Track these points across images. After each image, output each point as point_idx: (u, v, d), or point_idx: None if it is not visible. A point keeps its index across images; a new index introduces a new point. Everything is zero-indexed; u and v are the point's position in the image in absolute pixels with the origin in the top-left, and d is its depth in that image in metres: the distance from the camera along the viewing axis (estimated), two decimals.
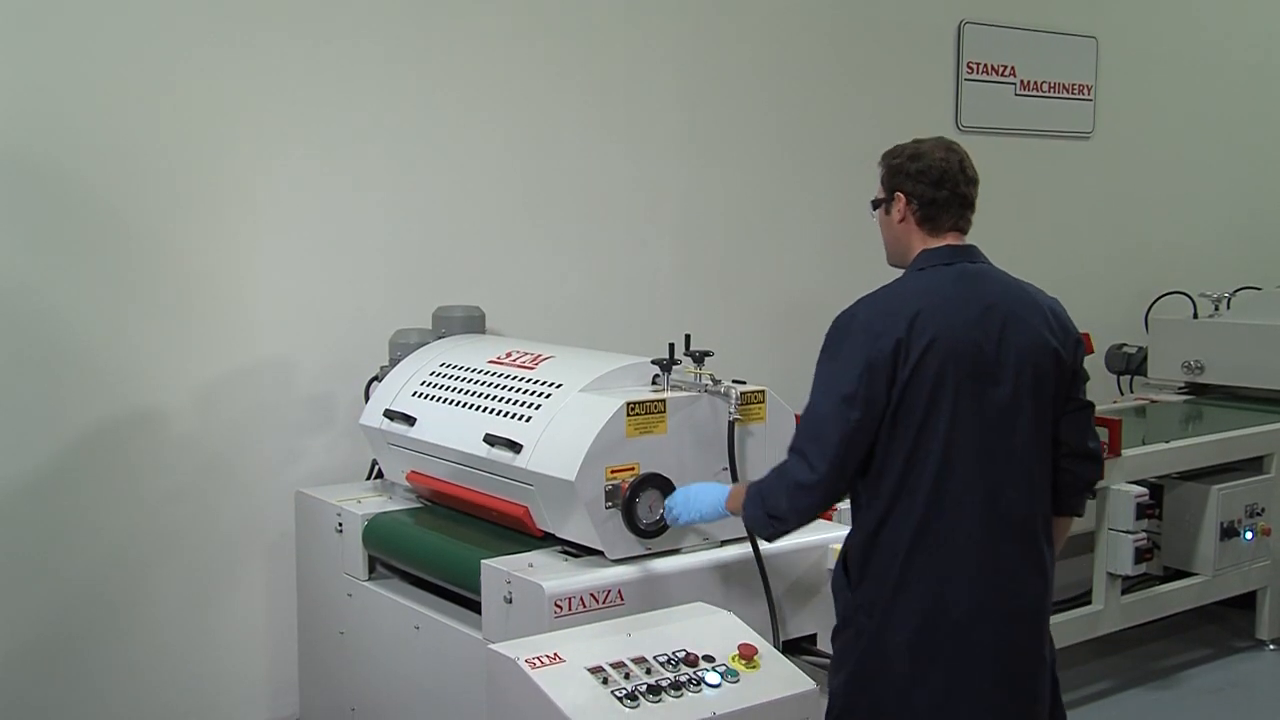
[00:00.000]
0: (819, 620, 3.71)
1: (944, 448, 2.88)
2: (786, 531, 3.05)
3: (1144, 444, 5.27)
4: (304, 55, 4.74)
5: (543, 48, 5.30)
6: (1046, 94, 6.98)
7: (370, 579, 4.21)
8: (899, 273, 3.14)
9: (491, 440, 3.76)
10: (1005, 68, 6.79)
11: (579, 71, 5.41)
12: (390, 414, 4.23)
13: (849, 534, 3.08)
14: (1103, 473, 3.21)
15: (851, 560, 3.04)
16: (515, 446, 3.68)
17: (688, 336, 3.79)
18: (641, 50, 5.58)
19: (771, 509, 2.98)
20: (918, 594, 2.91)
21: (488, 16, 5.15)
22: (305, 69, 4.75)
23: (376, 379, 4.59)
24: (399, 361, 4.47)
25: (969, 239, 3.12)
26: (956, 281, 2.98)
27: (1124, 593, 5.11)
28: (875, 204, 3.19)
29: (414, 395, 4.24)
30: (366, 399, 4.54)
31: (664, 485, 3.59)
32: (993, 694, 2.96)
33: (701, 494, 3.36)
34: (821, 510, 2.98)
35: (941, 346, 2.87)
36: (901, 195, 3.09)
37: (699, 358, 3.79)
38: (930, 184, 3.04)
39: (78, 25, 4.32)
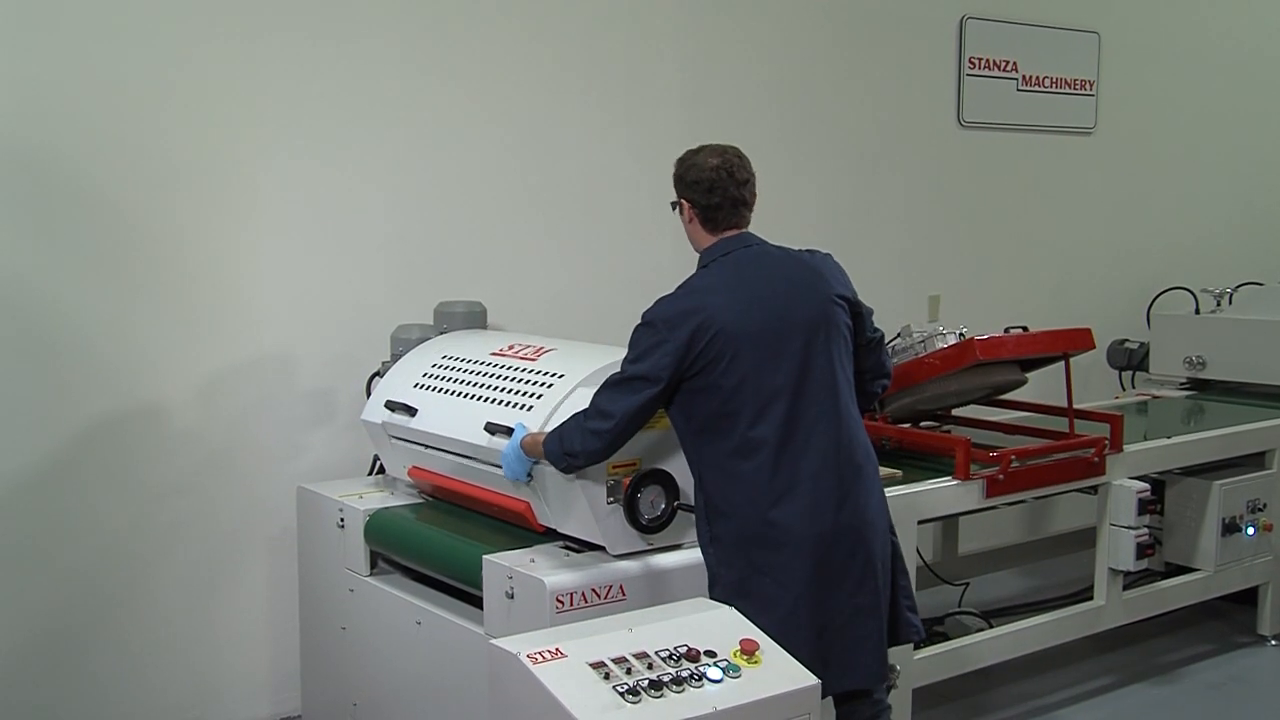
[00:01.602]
0: None
1: (758, 414, 3.30)
2: (578, 467, 3.45)
3: (1145, 439, 5.26)
4: (306, 52, 4.74)
5: (544, 44, 5.30)
6: (1048, 89, 6.97)
7: (372, 574, 4.21)
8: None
9: (493, 429, 3.76)
10: (1007, 63, 6.78)
11: (580, 68, 5.40)
12: (391, 405, 4.23)
13: (700, 505, 3.43)
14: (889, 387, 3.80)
15: (702, 530, 3.43)
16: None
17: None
18: (643, 46, 5.58)
19: (568, 448, 3.38)
20: (766, 541, 3.31)
21: (489, 13, 5.14)
22: (308, 65, 4.74)
23: (378, 374, 4.59)
24: (400, 357, 4.47)
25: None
26: (736, 270, 3.41)
27: (1126, 588, 5.10)
28: (673, 205, 3.59)
29: (415, 386, 4.24)
30: (368, 394, 4.54)
31: (666, 481, 3.60)
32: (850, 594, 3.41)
33: (514, 453, 3.59)
34: (606, 455, 3.41)
35: (732, 330, 3.30)
36: (685, 202, 3.51)
37: None
38: (703, 192, 3.46)
39: (83, 22, 4.31)
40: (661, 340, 3.30)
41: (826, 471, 3.36)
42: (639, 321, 3.39)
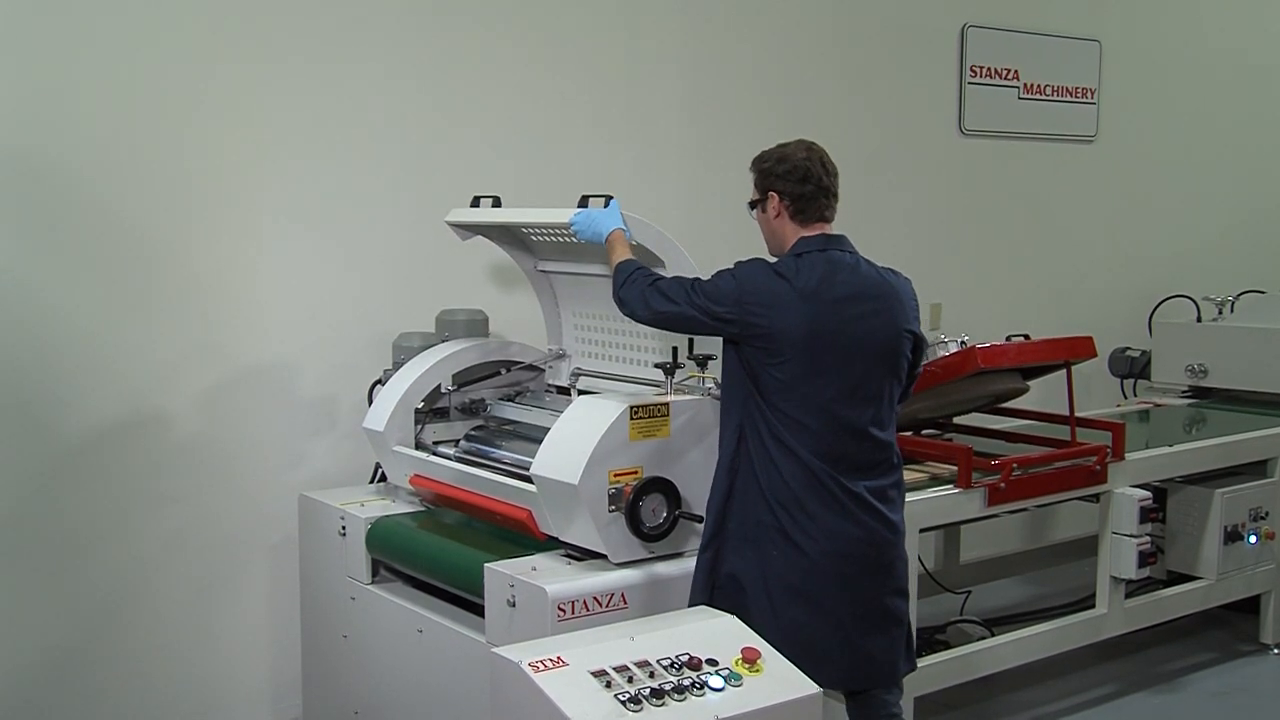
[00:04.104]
0: None
1: (803, 416, 3.34)
2: (618, 307, 3.56)
3: (1147, 448, 5.25)
4: (309, 59, 4.75)
5: (545, 52, 5.31)
6: (1050, 97, 6.97)
7: (373, 582, 4.22)
8: None
9: (585, 200, 3.83)
10: (1008, 71, 6.79)
11: (581, 75, 5.41)
12: (477, 199, 4.38)
13: (723, 471, 3.47)
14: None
15: (721, 486, 3.47)
16: None
17: (691, 340, 3.79)
18: (644, 54, 5.58)
19: (623, 292, 3.51)
20: (781, 520, 3.37)
21: (490, 21, 5.15)
22: (310, 74, 4.75)
23: (380, 382, 4.59)
24: (402, 365, 4.47)
25: (836, 227, 3.55)
26: (829, 272, 3.39)
27: (1127, 597, 5.09)
28: (752, 204, 3.60)
29: None
30: (370, 402, 4.55)
31: (667, 489, 3.60)
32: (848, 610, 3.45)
33: (601, 224, 3.71)
34: (646, 323, 3.54)
35: (796, 336, 3.32)
36: (774, 194, 3.50)
37: (702, 361, 3.79)
38: (797, 181, 3.47)
39: (85, 31, 4.32)
40: (732, 299, 3.35)
41: (860, 486, 3.40)
42: (735, 263, 3.45)
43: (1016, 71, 6.81)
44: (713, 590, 3.47)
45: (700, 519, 3.60)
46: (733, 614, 3.23)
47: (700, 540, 3.53)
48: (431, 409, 4.44)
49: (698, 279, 3.46)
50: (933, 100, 6.57)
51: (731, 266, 3.45)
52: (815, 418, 3.35)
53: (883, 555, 3.46)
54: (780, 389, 3.35)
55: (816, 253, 3.42)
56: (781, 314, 3.32)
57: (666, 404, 3.63)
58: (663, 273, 3.62)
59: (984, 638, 5.04)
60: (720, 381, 3.54)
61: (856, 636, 3.44)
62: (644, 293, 3.46)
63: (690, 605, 3.46)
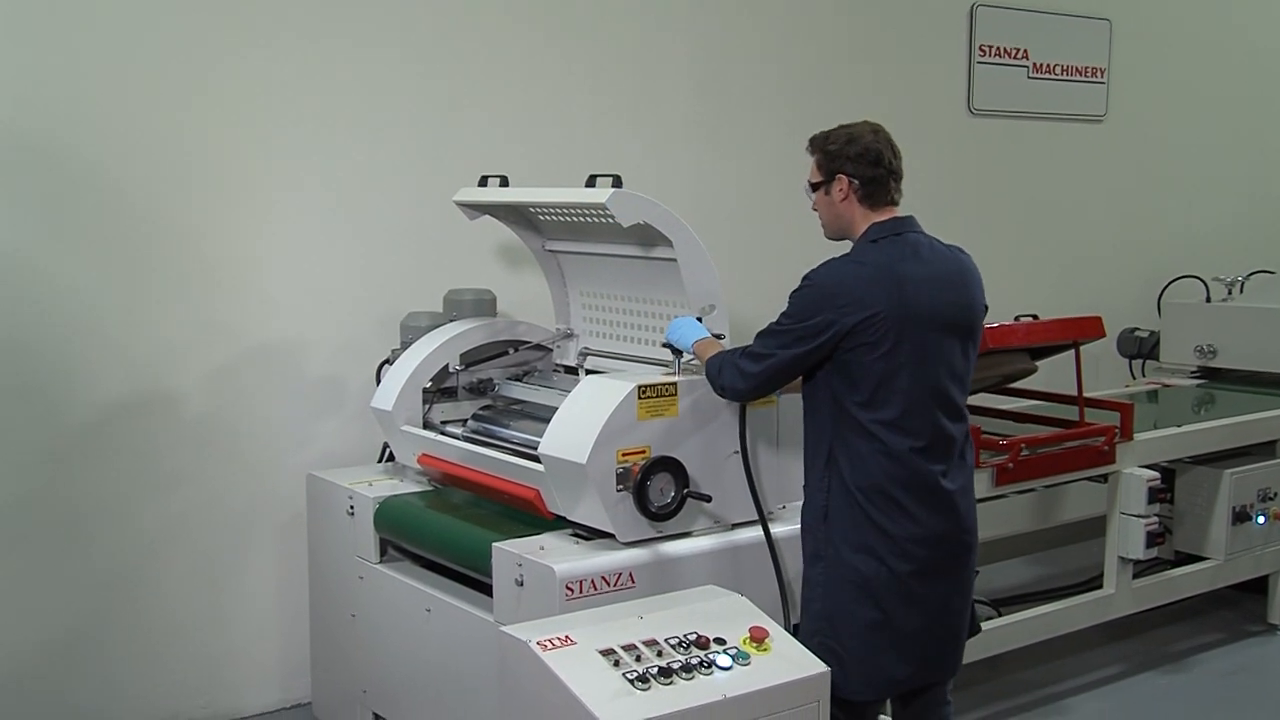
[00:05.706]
0: None
1: (910, 405, 3.27)
2: (725, 397, 3.55)
3: (1155, 428, 5.25)
4: (317, 39, 4.74)
5: (552, 32, 5.29)
6: (1059, 77, 6.94)
7: (381, 562, 4.22)
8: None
9: (592, 181, 3.86)
10: (1018, 50, 6.76)
11: (589, 57, 5.40)
12: (484, 179, 4.38)
13: (816, 482, 3.41)
14: None
15: (816, 505, 3.40)
16: None
17: (699, 319, 3.79)
18: (652, 35, 5.57)
19: (718, 380, 3.48)
20: (883, 525, 3.30)
21: (496, 5, 5.13)
22: (318, 53, 4.74)
23: (388, 362, 4.59)
24: (410, 344, 4.47)
25: (902, 209, 3.46)
26: (908, 254, 3.33)
27: (1135, 577, 5.10)
28: (814, 186, 3.48)
29: None
30: (378, 382, 4.55)
31: (675, 468, 3.59)
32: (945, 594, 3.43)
33: (686, 332, 3.70)
34: (750, 396, 3.51)
35: (897, 316, 3.23)
36: (843, 176, 3.39)
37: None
38: (869, 164, 3.37)
39: (91, 14, 4.32)
40: (821, 307, 3.26)
41: (954, 471, 3.38)
42: (804, 276, 3.34)
43: (1026, 51, 6.78)
44: (830, 600, 3.38)
45: (708, 498, 3.61)
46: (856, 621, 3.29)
47: (803, 555, 3.48)
48: (439, 388, 4.44)
49: (772, 324, 3.37)
50: (942, 80, 6.55)
51: (802, 281, 3.36)
52: (923, 405, 3.29)
53: (962, 549, 3.43)
54: (888, 379, 3.25)
55: (893, 237, 3.35)
56: (875, 299, 3.22)
57: (674, 383, 3.63)
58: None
59: (992, 618, 5.04)
60: (804, 417, 3.47)
61: (940, 627, 3.45)
62: (735, 367, 3.40)
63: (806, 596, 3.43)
